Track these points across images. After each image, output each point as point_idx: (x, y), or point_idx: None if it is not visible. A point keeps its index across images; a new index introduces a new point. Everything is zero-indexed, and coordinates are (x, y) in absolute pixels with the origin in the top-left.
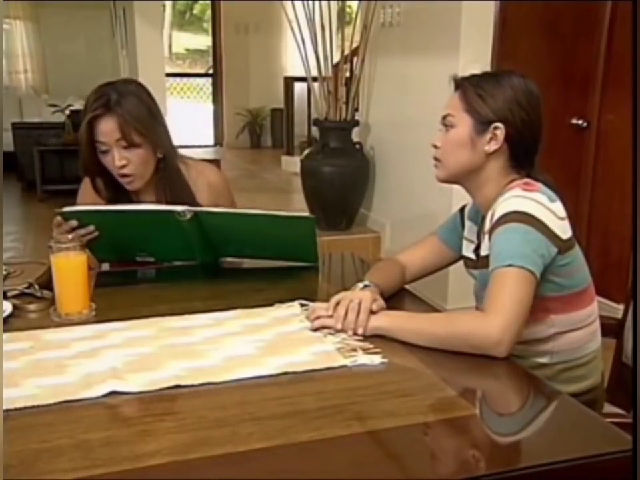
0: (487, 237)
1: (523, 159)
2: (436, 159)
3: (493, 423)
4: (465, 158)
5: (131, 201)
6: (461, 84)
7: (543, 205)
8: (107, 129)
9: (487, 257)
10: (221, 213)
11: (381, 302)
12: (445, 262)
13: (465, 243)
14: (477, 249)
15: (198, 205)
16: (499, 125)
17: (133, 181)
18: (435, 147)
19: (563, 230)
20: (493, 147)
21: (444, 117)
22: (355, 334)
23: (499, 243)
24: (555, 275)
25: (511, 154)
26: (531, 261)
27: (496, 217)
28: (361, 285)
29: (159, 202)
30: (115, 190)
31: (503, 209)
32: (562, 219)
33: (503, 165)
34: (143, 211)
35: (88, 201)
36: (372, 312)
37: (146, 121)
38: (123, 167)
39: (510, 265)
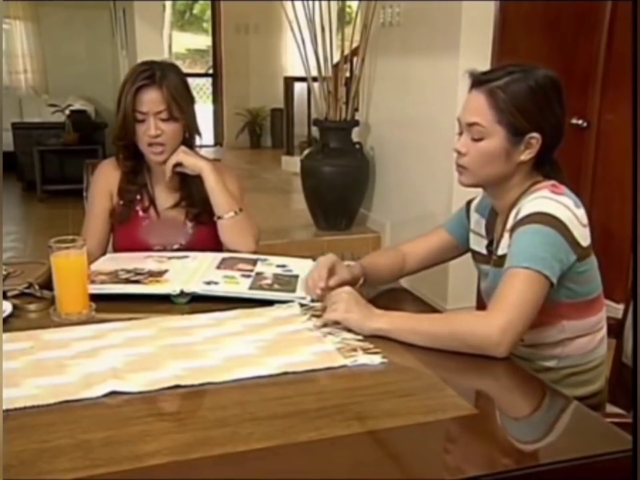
0: (507, 235)
1: (549, 156)
2: (461, 166)
3: (492, 423)
4: (498, 169)
5: (148, 172)
6: (486, 86)
7: (569, 208)
8: (151, 99)
9: (504, 255)
10: (216, 296)
11: (342, 273)
12: (450, 254)
13: (472, 236)
14: (489, 245)
15: (205, 192)
16: (535, 134)
17: (162, 151)
18: (459, 152)
19: (584, 237)
20: (528, 156)
21: (470, 125)
22: (356, 333)
23: (519, 243)
24: (571, 282)
25: (538, 157)
26: (547, 265)
27: (521, 215)
28: (345, 263)
29: (170, 179)
30: (135, 160)
31: (529, 208)
32: (584, 226)
33: (530, 168)
34: (144, 294)
35: (102, 185)
36: (331, 274)
37: (185, 99)
38: (158, 136)
39: (526, 267)
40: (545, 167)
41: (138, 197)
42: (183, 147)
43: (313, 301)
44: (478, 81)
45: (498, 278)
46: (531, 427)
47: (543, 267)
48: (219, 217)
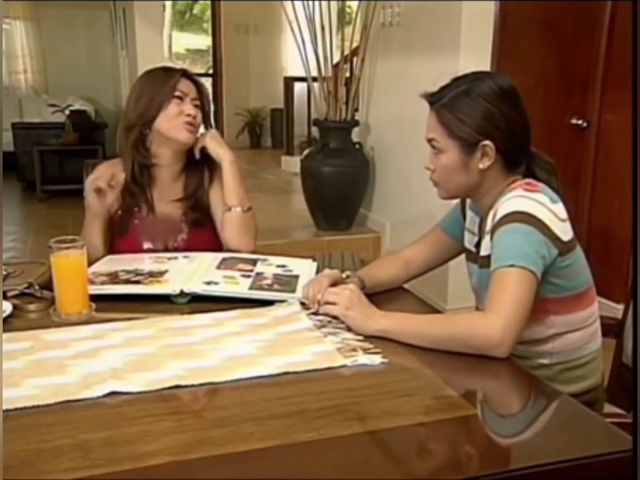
0: (487, 236)
1: (518, 157)
2: (433, 181)
3: (493, 423)
4: (462, 180)
5: (148, 178)
6: (434, 105)
7: (545, 205)
8: (188, 86)
9: (487, 256)
10: (216, 296)
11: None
12: (449, 254)
13: (466, 234)
14: (477, 245)
15: (207, 196)
16: (487, 142)
17: (194, 130)
18: (428, 168)
19: (564, 231)
20: (486, 163)
21: (429, 140)
22: (356, 333)
23: (500, 243)
24: (555, 277)
25: (505, 159)
26: (532, 261)
27: (498, 216)
28: (344, 275)
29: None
30: (142, 155)
31: (505, 209)
32: (563, 220)
33: (500, 172)
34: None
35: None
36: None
37: (208, 95)
38: (195, 117)
39: (512, 265)
40: (519, 167)
41: (136, 208)
42: (213, 131)
43: None
44: (429, 101)
45: (483, 278)
46: (530, 427)
47: (527, 263)
48: (228, 209)
